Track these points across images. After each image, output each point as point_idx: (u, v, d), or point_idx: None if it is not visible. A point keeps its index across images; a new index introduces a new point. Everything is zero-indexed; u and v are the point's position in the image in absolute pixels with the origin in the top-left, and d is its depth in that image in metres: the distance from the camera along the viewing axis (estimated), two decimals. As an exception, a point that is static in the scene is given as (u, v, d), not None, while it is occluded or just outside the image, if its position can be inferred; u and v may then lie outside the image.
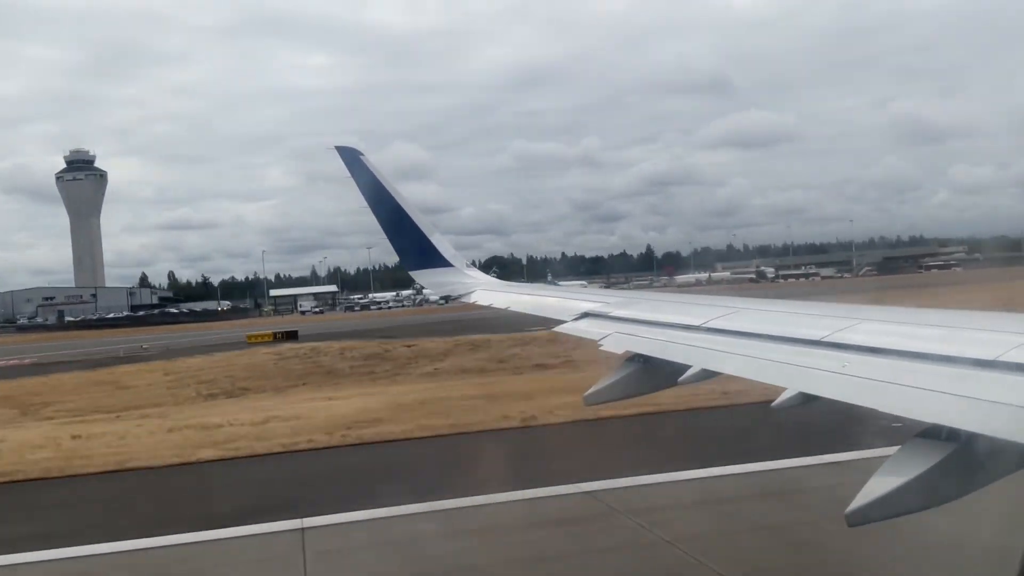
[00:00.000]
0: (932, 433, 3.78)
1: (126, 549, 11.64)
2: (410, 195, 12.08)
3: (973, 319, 4.90)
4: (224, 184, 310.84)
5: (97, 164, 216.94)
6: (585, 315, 7.89)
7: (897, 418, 3.87)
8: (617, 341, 6.72)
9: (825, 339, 4.91)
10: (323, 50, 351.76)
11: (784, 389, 4.53)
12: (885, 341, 4.61)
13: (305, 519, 12.16)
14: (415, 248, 11.92)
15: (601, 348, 6.78)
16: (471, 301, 10.78)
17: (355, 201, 11.64)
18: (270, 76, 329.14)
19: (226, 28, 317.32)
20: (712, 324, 6.09)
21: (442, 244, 12.08)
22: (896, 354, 4.38)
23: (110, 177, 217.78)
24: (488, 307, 10.28)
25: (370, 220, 11.74)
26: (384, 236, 11.94)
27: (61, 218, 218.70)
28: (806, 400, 4.40)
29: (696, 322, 6.26)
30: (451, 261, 11.98)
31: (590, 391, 6.66)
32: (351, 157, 11.68)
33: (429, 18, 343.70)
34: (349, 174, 11.63)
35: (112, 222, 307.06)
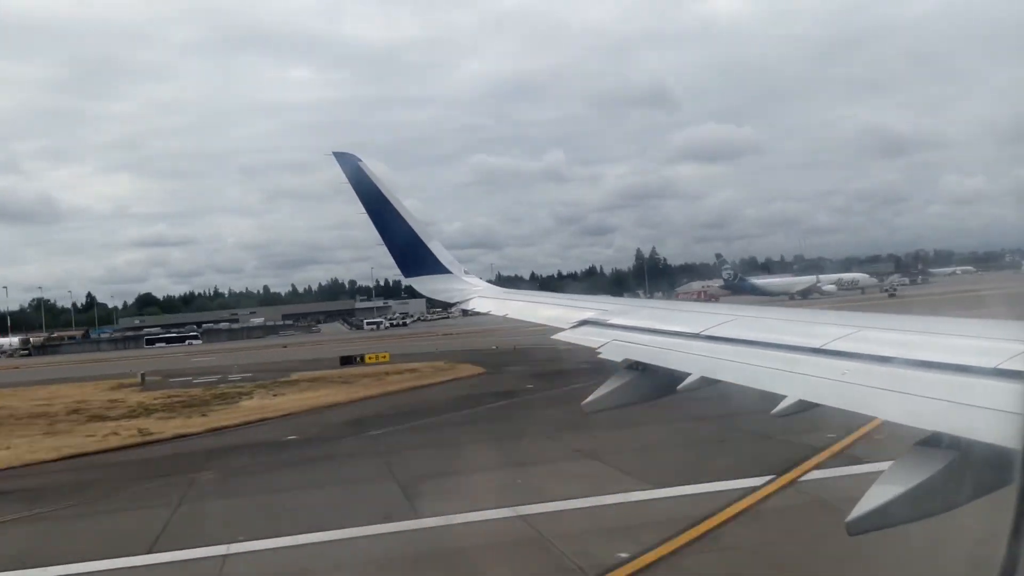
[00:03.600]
0: (933, 441, 3.76)
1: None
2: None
3: (974, 327, 4.88)
4: (214, 199, 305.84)
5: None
6: (584, 323, 7.86)
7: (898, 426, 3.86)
8: (615, 349, 6.69)
9: (825, 347, 4.90)
10: (303, 64, 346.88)
11: (784, 396, 4.52)
12: (885, 349, 4.60)
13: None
14: (412, 255, 11.85)
15: (599, 356, 6.73)
16: (469, 308, 10.72)
17: (352, 207, 11.62)
18: (252, 90, 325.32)
19: (202, 43, 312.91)
20: (711, 332, 6.07)
21: (440, 251, 12.02)
22: (896, 362, 4.37)
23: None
24: (486, 314, 10.23)
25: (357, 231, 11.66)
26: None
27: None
28: (806, 408, 4.39)
29: (695, 330, 6.24)
30: (449, 268, 11.92)
31: (589, 399, 6.60)
32: (349, 163, 11.64)
33: (406, 32, 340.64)
34: (347, 180, 11.58)
35: (102, 238, 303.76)
